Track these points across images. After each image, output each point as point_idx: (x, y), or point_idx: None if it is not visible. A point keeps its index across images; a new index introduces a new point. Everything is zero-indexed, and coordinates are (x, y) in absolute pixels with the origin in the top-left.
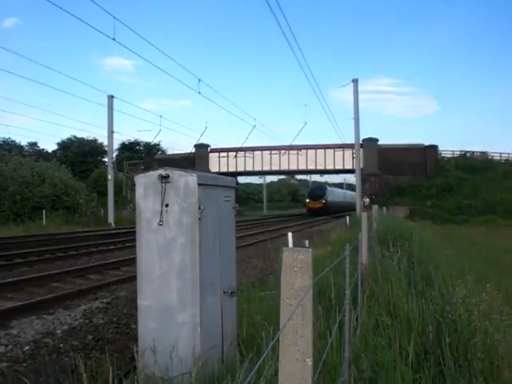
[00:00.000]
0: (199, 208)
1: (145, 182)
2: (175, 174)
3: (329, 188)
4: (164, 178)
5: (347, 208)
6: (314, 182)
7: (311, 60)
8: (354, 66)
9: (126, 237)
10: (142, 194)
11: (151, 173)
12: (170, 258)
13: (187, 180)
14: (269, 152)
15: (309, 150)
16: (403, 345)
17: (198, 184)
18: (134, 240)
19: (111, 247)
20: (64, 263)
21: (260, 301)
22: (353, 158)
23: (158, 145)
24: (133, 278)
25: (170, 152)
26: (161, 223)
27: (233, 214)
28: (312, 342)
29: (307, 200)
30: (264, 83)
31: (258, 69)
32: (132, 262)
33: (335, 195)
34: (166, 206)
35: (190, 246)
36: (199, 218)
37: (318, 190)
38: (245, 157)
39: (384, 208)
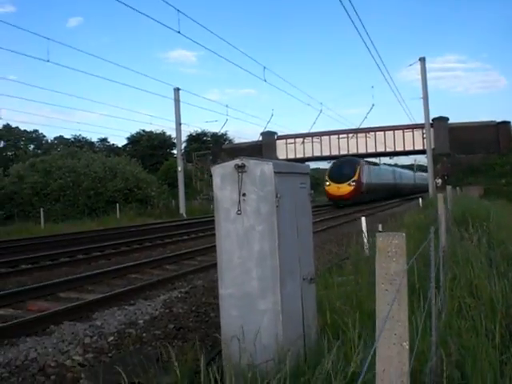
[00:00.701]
0: (276, 196)
1: (221, 173)
2: (251, 163)
3: (364, 163)
4: (240, 168)
5: (402, 192)
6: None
7: (377, 40)
8: (420, 44)
9: (198, 227)
10: (219, 184)
11: (227, 163)
12: (250, 247)
13: (263, 169)
14: (336, 136)
15: (377, 133)
16: (488, 327)
17: (275, 172)
18: (207, 230)
19: (185, 237)
20: (140, 255)
21: (338, 287)
22: (423, 138)
23: (225, 134)
24: (209, 268)
25: (236, 141)
26: (239, 212)
27: (309, 200)
28: (408, 326)
29: (327, 183)
30: (330, 67)
31: (323, 52)
32: (206, 251)
33: (377, 174)
34: (244, 195)
35: (269, 234)
36: (277, 206)
37: (345, 167)
38: (312, 142)
39: (457, 188)
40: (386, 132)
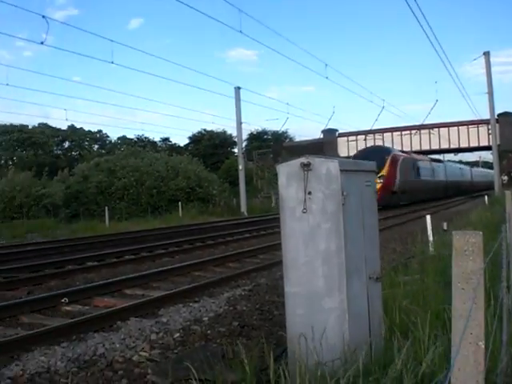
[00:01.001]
0: (342, 194)
1: (287, 171)
2: (317, 162)
3: (399, 154)
4: (306, 166)
5: (455, 191)
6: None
7: (440, 34)
8: (484, 37)
9: (259, 225)
10: (285, 182)
11: (293, 161)
12: (315, 245)
13: (329, 167)
14: (399, 133)
15: (441, 129)
16: None
17: (340, 170)
18: (268, 228)
19: (246, 235)
20: (203, 253)
21: (403, 286)
22: (488, 134)
23: (286, 132)
24: (271, 266)
25: (297, 139)
26: (304, 211)
27: (374, 198)
28: (484, 325)
29: None
30: (392, 62)
31: (386, 48)
32: (268, 249)
33: (418, 169)
34: (309, 193)
35: (335, 233)
36: (343, 204)
37: (370, 158)
38: (374, 139)
39: None
40: (450, 128)
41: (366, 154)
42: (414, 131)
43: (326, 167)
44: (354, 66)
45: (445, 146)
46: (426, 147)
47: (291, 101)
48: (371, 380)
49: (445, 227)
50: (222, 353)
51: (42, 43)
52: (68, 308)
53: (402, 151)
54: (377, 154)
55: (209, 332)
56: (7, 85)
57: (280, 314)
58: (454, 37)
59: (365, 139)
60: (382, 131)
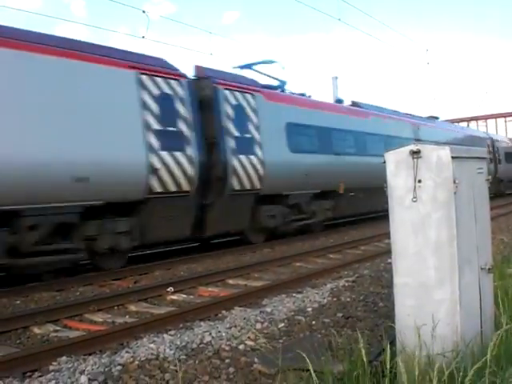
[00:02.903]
0: (454, 182)
1: (395, 159)
2: (427, 149)
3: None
4: (415, 154)
5: None
6: None
7: None
8: None
9: (359, 216)
10: (393, 171)
11: (401, 149)
12: (426, 235)
13: (440, 154)
14: (503, 119)
15: None
16: None
17: (452, 157)
18: (368, 219)
19: (346, 227)
20: (303, 244)
21: None
22: None
23: None
24: (374, 257)
25: None
26: (414, 199)
27: (486, 186)
28: None
29: None
30: (496, 45)
31: (489, 31)
32: (369, 241)
33: None
34: (419, 181)
35: (447, 222)
36: (454, 193)
37: None
38: (477, 126)
39: None
40: None
41: None
42: None
43: (436, 154)
44: (456, 50)
45: None
46: None
47: (390, 88)
48: (494, 371)
49: None
50: (327, 344)
51: (143, 37)
52: (173, 297)
53: None
54: None
55: (313, 323)
56: None
57: (385, 305)
58: None
59: (467, 126)
60: (486, 117)
